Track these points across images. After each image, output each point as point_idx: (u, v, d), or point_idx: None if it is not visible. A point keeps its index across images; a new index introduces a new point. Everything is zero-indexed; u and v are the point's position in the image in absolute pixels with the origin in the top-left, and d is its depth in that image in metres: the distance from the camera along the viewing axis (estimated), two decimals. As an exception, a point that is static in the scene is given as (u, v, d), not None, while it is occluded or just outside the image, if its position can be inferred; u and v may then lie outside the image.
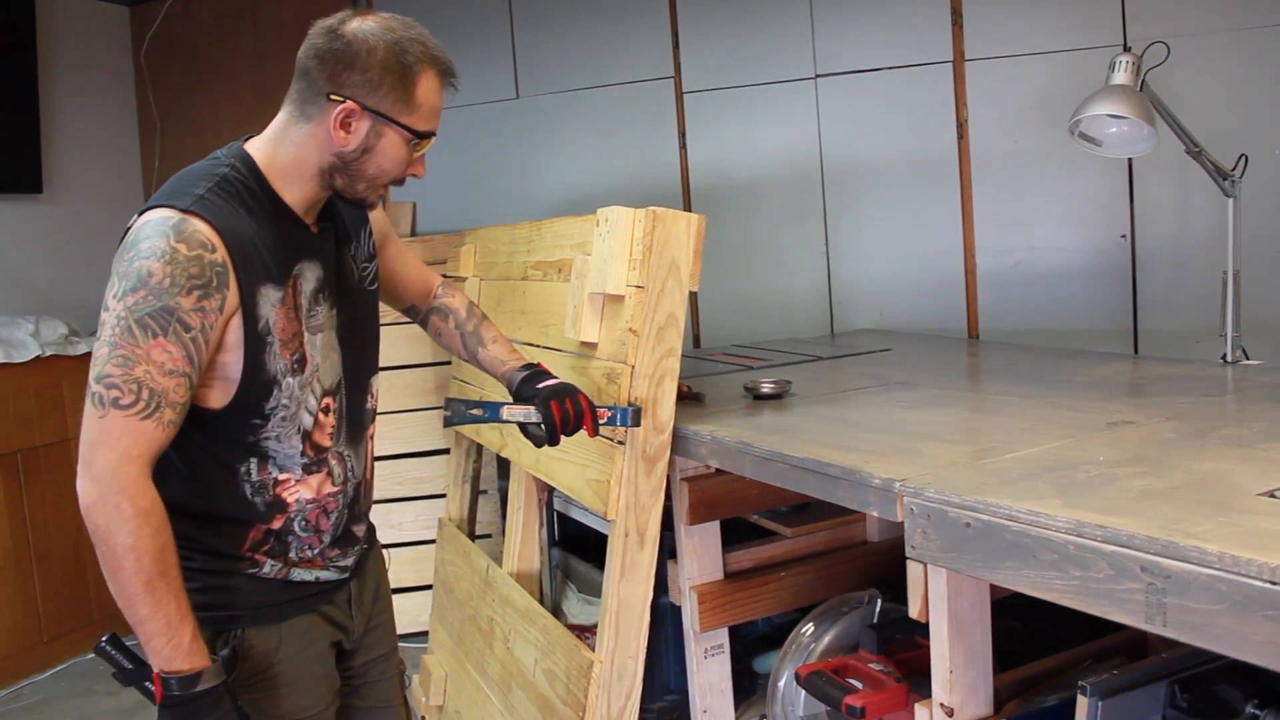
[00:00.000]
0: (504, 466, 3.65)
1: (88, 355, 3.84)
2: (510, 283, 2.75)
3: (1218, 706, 1.51)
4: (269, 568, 1.57)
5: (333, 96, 1.48)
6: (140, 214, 1.45)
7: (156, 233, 1.39)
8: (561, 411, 1.82)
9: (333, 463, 1.62)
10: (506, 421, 1.87)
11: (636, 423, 1.97)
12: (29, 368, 3.69)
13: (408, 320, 2.06)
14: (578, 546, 2.90)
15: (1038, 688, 1.73)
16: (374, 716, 1.83)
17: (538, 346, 2.50)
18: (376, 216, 1.80)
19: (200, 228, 1.40)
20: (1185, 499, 1.36)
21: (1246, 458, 1.57)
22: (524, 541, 2.68)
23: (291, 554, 1.59)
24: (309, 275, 1.57)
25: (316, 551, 1.62)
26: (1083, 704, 1.47)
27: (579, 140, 4.33)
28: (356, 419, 1.68)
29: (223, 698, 1.43)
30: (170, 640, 1.38)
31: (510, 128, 4.40)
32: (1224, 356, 2.55)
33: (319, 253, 1.60)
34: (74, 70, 4.50)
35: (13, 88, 4.11)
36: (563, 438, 1.87)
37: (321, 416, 1.59)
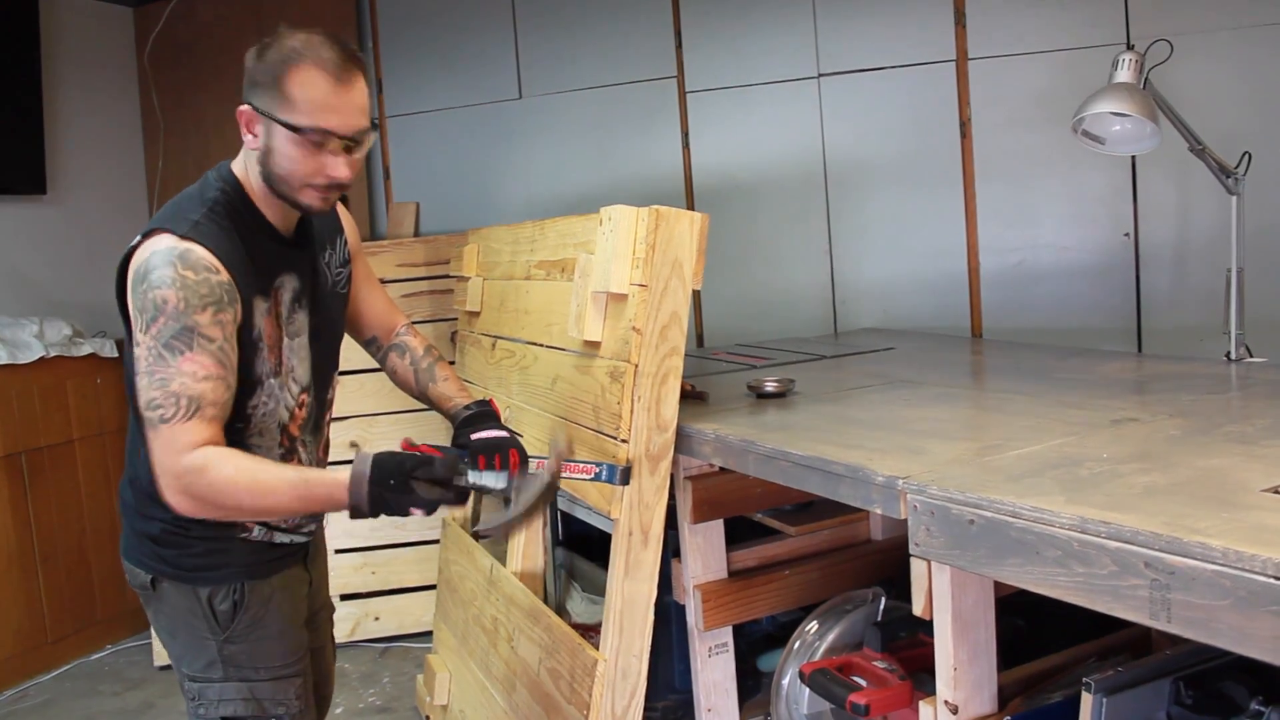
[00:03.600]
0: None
1: (92, 356, 3.89)
2: (513, 282, 2.75)
3: (1222, 703, 1.50)
4: (257, 532, 1.79)
5: (241, 104, 1.64)
6: (143, 236, 1.61)
7: (163, 263, 1.53)
8: (489, 466, 1.75)
9: (300, 449, 1.83)
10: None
11: (625, 481, 1.99)
12: (33, 369, 3.70)
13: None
14: (582, 546, 2.90)
15: (1042, 685, 1.73)
16: (318, 655, 2.01)
17: (541, 345, 2.50)
18: (349, 228, 1.97)
19: (202, 254, 1.55)
20: (1189, 495, 1.36)
21: (1251, 454, 1.57)
22: (527, 541, 2.68)
23: (274, 521, 1.79)
24: (288, 285, 1.75)
25: (292, 520, 1.84)
26: (1087, 701, 1.47)
27: (582, 140, 4.33)
28: (321, 410, 1.88)
29: (384, 472, 1.55)
30: (319, 505, 1.58)
31: (513, 127, 4.40)
32: (1228, 354, 2.55)
33: (296, 264, 1.77)
34: (78, 71, 4.51)
35: (16, 89, 4.11)
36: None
37: (297, 410, 1.80)
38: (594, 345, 2.19)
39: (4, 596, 3.59)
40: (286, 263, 1.74)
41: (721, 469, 2.18)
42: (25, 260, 4.24)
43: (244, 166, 1.71)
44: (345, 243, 1.94)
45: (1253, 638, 1.09)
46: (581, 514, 2.79)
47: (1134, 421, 1.85)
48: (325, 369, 1.87)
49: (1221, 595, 1.11)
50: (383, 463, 1.55)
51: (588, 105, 4.30)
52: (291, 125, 1.60)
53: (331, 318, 1.88)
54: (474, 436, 1.83)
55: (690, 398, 2.35)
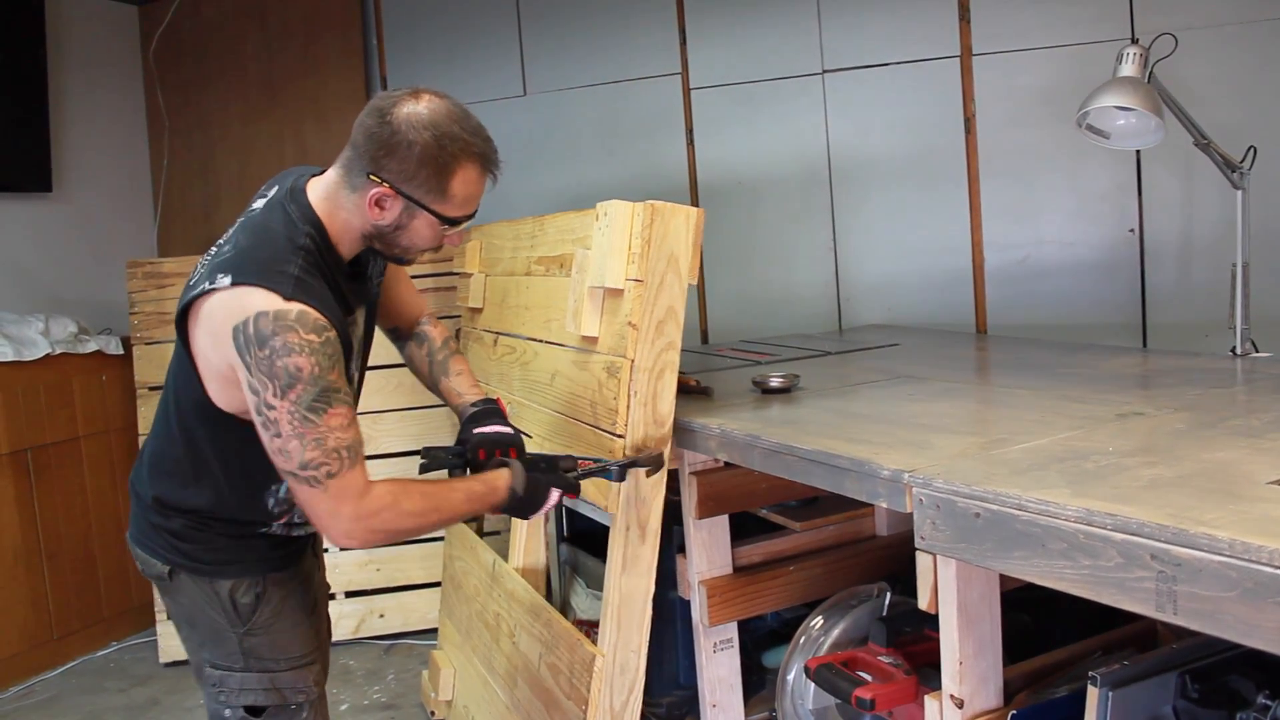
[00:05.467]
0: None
1: (97, 353, 3.89)
2: (514, 278, 2.75)
3: (1229, 697, 1.50)
4: (276, 528, 1.83)
5: (371, 177, 1.62)
6: (233, 284, 1.55)
7: (283, 329, 1.52)
8: (489, 460, 1.85)
9: None
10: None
11: (621, 478, 1.99)
12: (39, 366, 3.70)
13: None
14: (586, 542, 2.90)
15: (1048, 679, 1.72)
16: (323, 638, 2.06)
17: (541, 341, 2.50)
18: None
19: (315, 317, 1.55)
20: (1195, 488, 1.35)
21: (1256, 447, 1.56)
22: (529, 537, 2.68)
23: (294, 517, 1.83)
24: (359, 319, 1.81)
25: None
26: (1093, 695, 1.46)
27: (586, 137, 4.33)
28: None
29: (536, 476, 1.77)
30: (482, 501, 1.73)
31: (518, 125, 4.39)
32: (1233, 349, 2.54)
33: (365, 297, 1.83)
34: (83, 69, 4.51)
35: (22, 87, 4.12)
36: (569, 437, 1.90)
37: None
38: (591, 340, 2.19)
39: (9, 593, 3.60)
40: (359, 297, 1.80)
41: (726, 464, 2.18)
42: (31, 257, 4.24)
43: (330, 211, 1.67)
44: None
45: (1259, 629, 1.08)
46: (586, 510, 2.79)
47: (1139, 415, 1.85)
48: (360, 381, 1.92)
49: (1228, 587, 1.11)
50: (526, 460, 1.78)
51: (592, 102, 4.30)
52: (445, 218, 1.67)
53: (370, 329, 1.91)
54: (476, 431, 1.90)
55: (695, 393, 2.35)
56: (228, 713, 1.80)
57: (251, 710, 1.79)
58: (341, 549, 1.66)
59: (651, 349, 2.04)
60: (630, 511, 2.08)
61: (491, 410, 1.95)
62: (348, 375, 1.67)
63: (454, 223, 1.69)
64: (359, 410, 1.86)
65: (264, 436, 1.55)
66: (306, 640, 1.87)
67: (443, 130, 1.60)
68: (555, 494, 1.78)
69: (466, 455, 1.89)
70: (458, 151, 1.62)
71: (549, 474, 1.78)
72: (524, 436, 1.98)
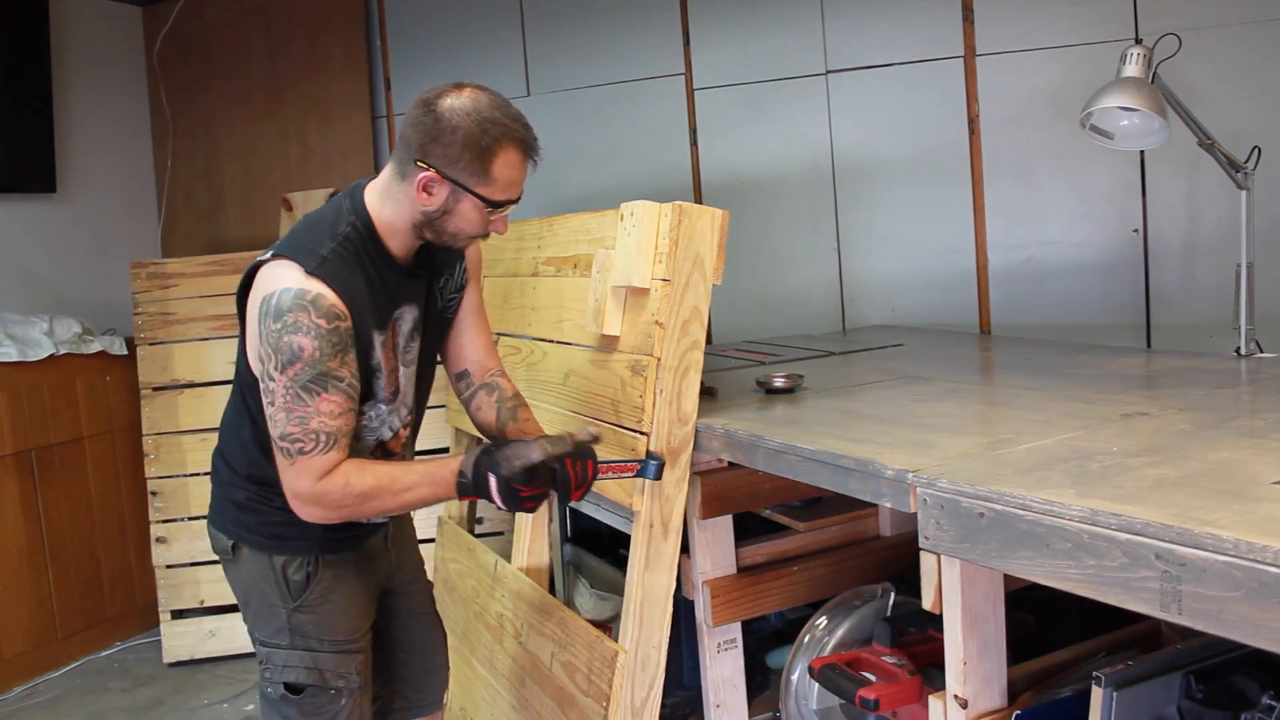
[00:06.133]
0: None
1: (102, 354, 3.90)
2: (519, 279, 2.75)
3: (1233, 697, 1.50)
4: None
5: (419, 164, 1.70)
6: (272, 257, 1.70)
7: (296, 306, 1.63)
8: (574, 469, 1.80)
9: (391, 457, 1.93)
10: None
11: (659, 476, 2.01)
12: (43, 366, 3.71)
13: None
14: (590, 542, 2.90)
15: (1052, 680, 1.72)
16: (415, 620, 2.14)
17: (551, 341, 2.50)
18: (471, 253, 2.00)
19: (331, 300, 1.65)
20: (1200, 488, 1.35)
21: (1261, 448, 1.56)
22: (534, 537, 2.68)
23: None
24: (407, 317, 1.85)
25: None
26: (1097, 695, 1.46)
27: (590, 138, 4.33)
28: (418, 427, 2.00)
29: (493, 461, 1.73)
30: (440, 483, 1.74)
31: (521, 125, 4.39)
32: (1238, 350, 2.54)
33: (415, 296, 1.87)
34: (87, 70, 4.52)
35: (26, 87, 4.13)
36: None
37: (401, 430, 1.91)
38: (611, 340, 2.21)
39: (14, 593, 3.60)
40: (406, 294, 1.84)
41: (730, 464, 2.18)
42: (35, 258, 4.25)
43: (380, 204, 1.77)
44: (464, 269, 1.99)
45: (1264, 629, 1.08)
46: (589, 510, 2.79)
47: (1144, 416, 1.85)
48: (425, 390, 1.98)
49: (1233, 586, 1.11)
50: (489, 446, 1.77)
51: (595, 103, 4.30)
52: (489, 200, 1.73)
53: (435, 342, 1.98)
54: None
55: (699, 394, 2.35)
56: (270, 689, 1.88)
57: (291, 688, 1.86)
58: (263, 485, 1.82)
59: (677, 347, 2.08)
60: (653, 508, 2.09)
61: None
62: (367, 368, 1.75)
63: (498, 205, 1.75)
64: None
65: (264, 401, 1.67)
66: (354, 627, 1.92)
67: (484, 116, 1.68)
68: (494, 480, 1.71)
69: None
70: (499, 135, 1.69)
71: (489, 459, 1.73)
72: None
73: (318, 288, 1.65)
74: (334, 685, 1.88)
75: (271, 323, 1.64)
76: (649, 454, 2.04)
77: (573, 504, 2.45)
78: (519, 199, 1.79)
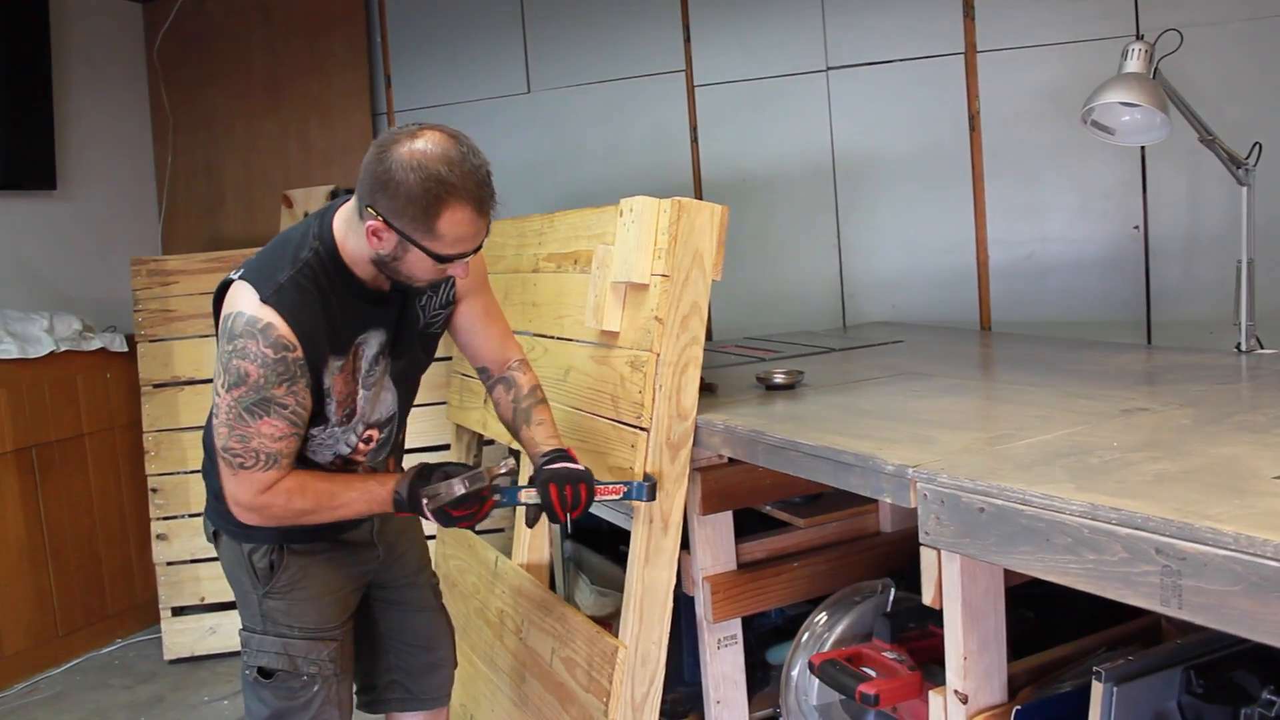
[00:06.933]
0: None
1: (102, 351, 3.90)
2: (520, 275, 2.75)
3: (1234, 692, 1.50)
4: None
5: (368, 209, 1.68)
6: (237, 277, 1.74)
7: (247, 333, 1.67)
8: (559, 494, 1.86)
9: (357, 467, 1.95)
10: (522, 504, 1.92)
11: (651, 497, 2.01)
12: (43, 363, 3.71)
13: None
14: (590, 539, 2.90)
15: (1052, 675, 1.72)
16: (415, 614, 2.16)
17: (551, 338, 2.50)
18: (474, 265, 1.89)
19: (282, 331, 1.67)
20: (1200, 483, 1.35)
21: (1262, 443, 1.56)
22: (533, 534, 2.68)
23: None
24: (372, 341, 1.85)
25: None
26: (1097, 690, 1.46)
27: (590, 134, 4.33)
28: (392, 438, 2.00)
29: (420, 493, 1.78)
30: (377, 501, 1.80)
31: (521, 122, 4.39)
32: (1238, 346, 2.54)
33: (382, 320, 1.86)
34: (87, 67, 4.51)
35: (27, 84, 4.12)
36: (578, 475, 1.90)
37: (361, 445, 1.91)
38: (611, 336, 2.21)
39: (14, 590, 3.60)
40: (371, 320, 1.84)
41: (731, 460, 2.18)
42: (35, 255, 4.25)
43: (345, 234, 1.77)
44: (453, 286, 1.97)
45: (1265, 623, 1.08)
46: (590, 508, 2.79)
47: (1144, 411, 1.85)
48: (405, 402, 1.99)
49: (1233, 581, 1.11)
50: (421, 472, 1.81)
51: (596, 100, 4.30)
52: (435, 255, 1.69)
53: (416, 358, 1.98)
54: (546, 467, 1.91)
55: (699, 390, 2.35)
56: (246, 672, 1.93)
57: (263, 673, 1.91)
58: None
59: (676, 343, 2.08)
60: (653, 503, 2.09)
61: (562, 455, 1.94)
62: (319, 392, 1.77)
63: (446, 260, 1.71)
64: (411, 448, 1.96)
65: (212, 409, 1.73)
66: (326, 616, 1.95)
67: (429, 172, 1.63)
68: (425, 503, 1.78)
69: (538, 492, 1.89)
70: (443, 194, 1.64)
71: (418, 489, 1.79)
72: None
73: (269, 316, 1.67)
74: (305, 671, 1.91)
75: (225, 343, 1.69)
76: (646, 476, 2.04)
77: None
78: (476, 250, 1.75)
